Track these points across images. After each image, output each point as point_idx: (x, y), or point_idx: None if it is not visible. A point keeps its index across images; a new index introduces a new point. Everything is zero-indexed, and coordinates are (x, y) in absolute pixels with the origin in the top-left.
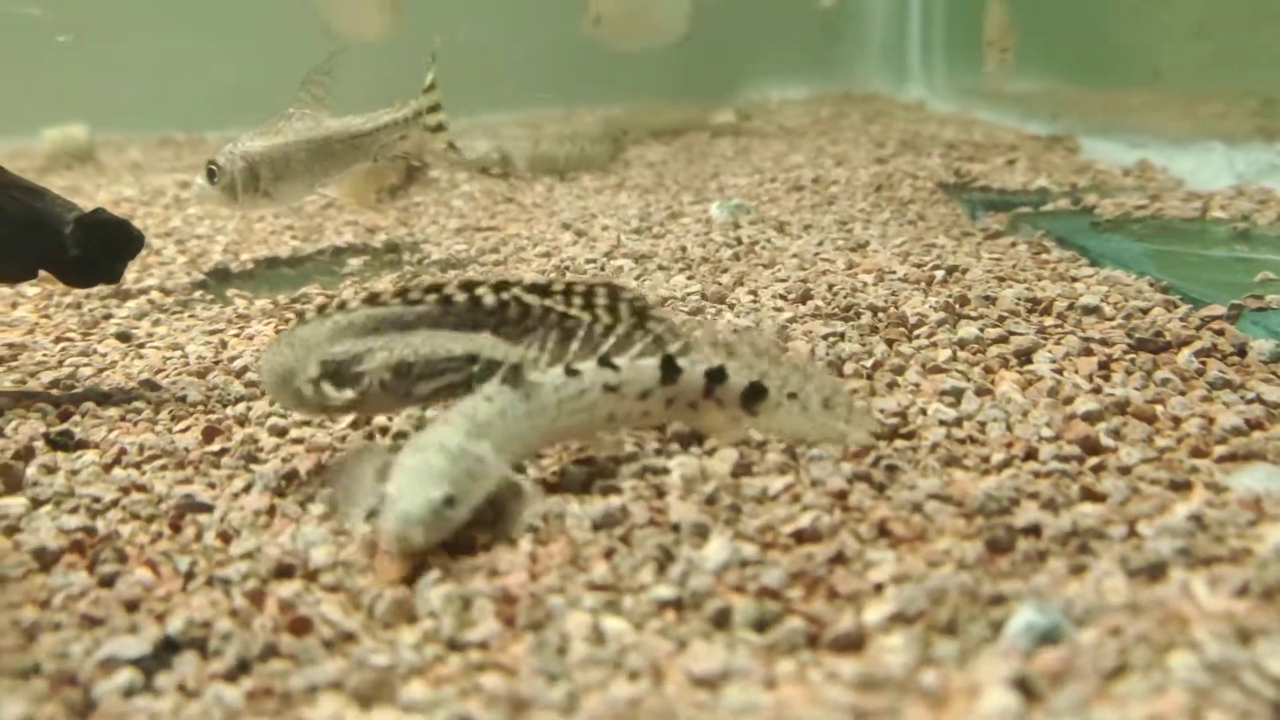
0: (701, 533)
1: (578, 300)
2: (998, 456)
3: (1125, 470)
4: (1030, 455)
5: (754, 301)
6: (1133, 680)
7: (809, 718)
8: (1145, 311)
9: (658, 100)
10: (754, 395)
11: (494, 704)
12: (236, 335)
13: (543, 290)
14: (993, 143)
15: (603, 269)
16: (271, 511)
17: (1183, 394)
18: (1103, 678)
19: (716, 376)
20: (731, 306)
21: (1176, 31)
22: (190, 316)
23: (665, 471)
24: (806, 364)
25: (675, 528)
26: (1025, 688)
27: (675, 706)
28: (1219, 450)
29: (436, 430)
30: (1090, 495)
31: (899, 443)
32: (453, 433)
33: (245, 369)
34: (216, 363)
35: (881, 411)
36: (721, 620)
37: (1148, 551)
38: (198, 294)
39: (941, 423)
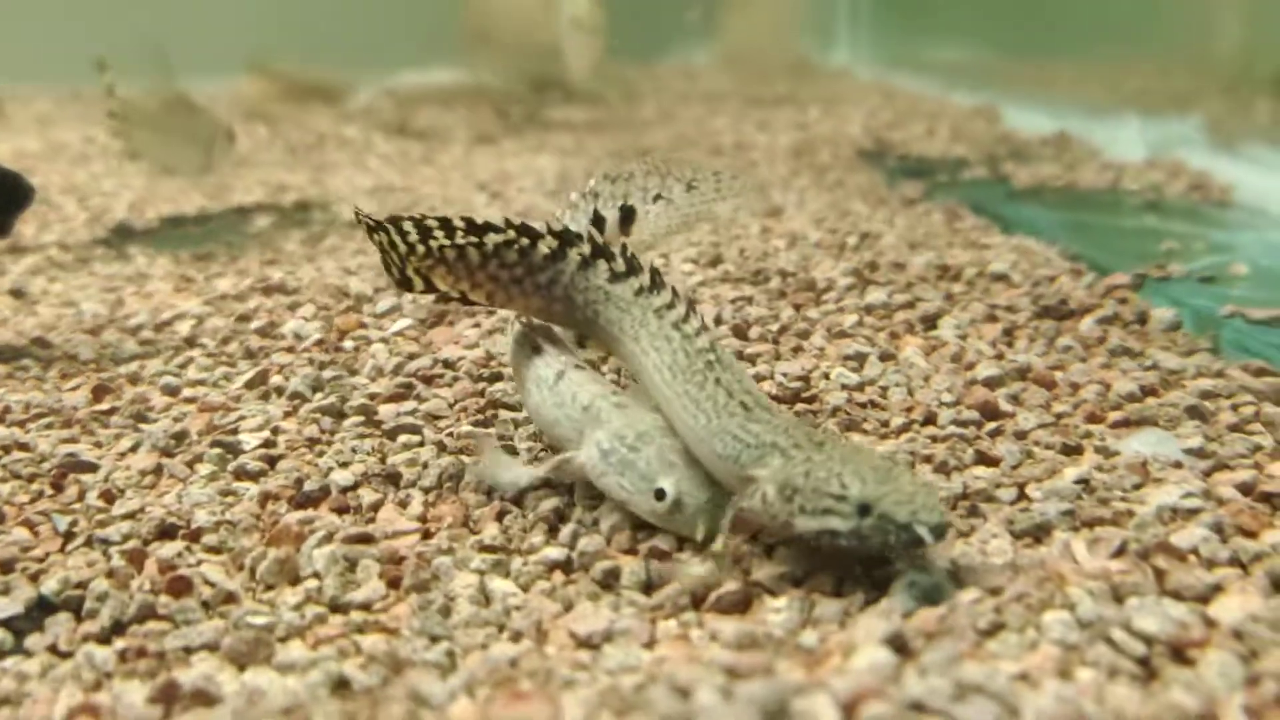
0: (599, 495)
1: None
2: (897, 421)
3: (1021, 435)
4: (929, 420)
5: (664, 264)
6: (1007, 638)
7: (684, 675)
8: (1052, 279)
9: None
10: (626, 218)
11: (372, 664)
12: (135, 293)
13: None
14: (916, 111)
15: None
16: (158, 471)
17: (1084, 361)
18: (978, 635)
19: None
20: None
21: (1099, 3)
22: (88, 274)
23: None
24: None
25: (570, 489)
26: (900, 645)
27: (554, 666)
28: (1114, 416)
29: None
30: (984, 459)
31: (801, 406)
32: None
33: (140, 327)
34: (111, 320)
35: (785, 375)
36: (609, 581)
37: (1034, 514)
38: (98, 251)
39: (844, 387)
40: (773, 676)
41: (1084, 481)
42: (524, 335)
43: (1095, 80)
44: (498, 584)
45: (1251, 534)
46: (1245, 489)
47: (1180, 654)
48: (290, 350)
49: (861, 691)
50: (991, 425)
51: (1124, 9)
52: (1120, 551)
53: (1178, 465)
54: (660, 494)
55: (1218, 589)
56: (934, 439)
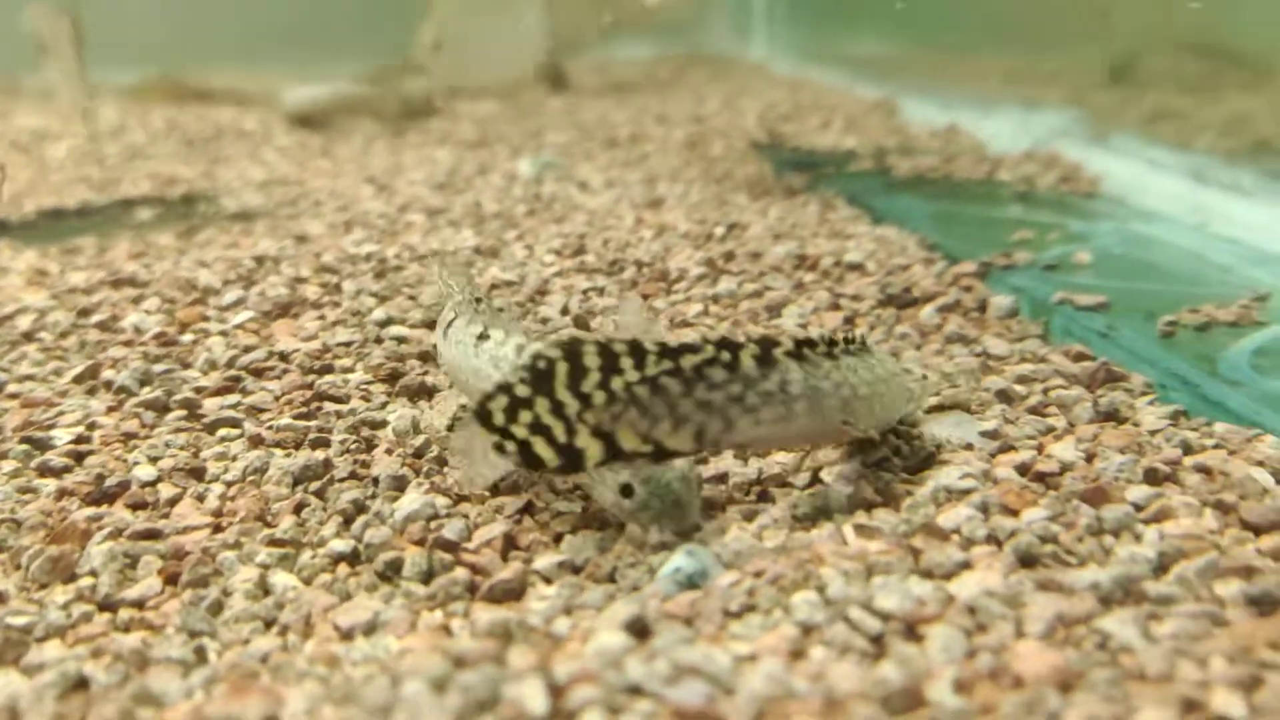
0: (399, 486)
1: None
2: None
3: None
4: None
5: (527, 255)
6: (752, 619)
7: (417, 666)
8: (905, 268)
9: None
10: None
11: (116, 663)
12: None
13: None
14: (817, 104)
15: (394, 223)
16: None
17: (918, 348)
18: (725, 617)
19: None
20: (498, 258)
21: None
22: None
23: (383, 424)
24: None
25: (375, 481)
26: (641, 629)
27: (299, 660)
28: (931, 400)
29: None
30: (784, 447)
31: None
32: None
33: None
34: None
35: None
36: (390, 572)
37: (818, 497)
38: None
39: None
40: (498, 665)
41: (877, 464)
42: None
43: (983, 74)
44: (280, 578)
45: (1014, 512)
46: (1023, 469)
47: (912, 630)
48: (128, 344)
49: (577, 676)
50: None
51: (1020, 5)
52: (888, 533)
53: (969, 447)
54: (625, 489)
55: (966, 566)
56: None
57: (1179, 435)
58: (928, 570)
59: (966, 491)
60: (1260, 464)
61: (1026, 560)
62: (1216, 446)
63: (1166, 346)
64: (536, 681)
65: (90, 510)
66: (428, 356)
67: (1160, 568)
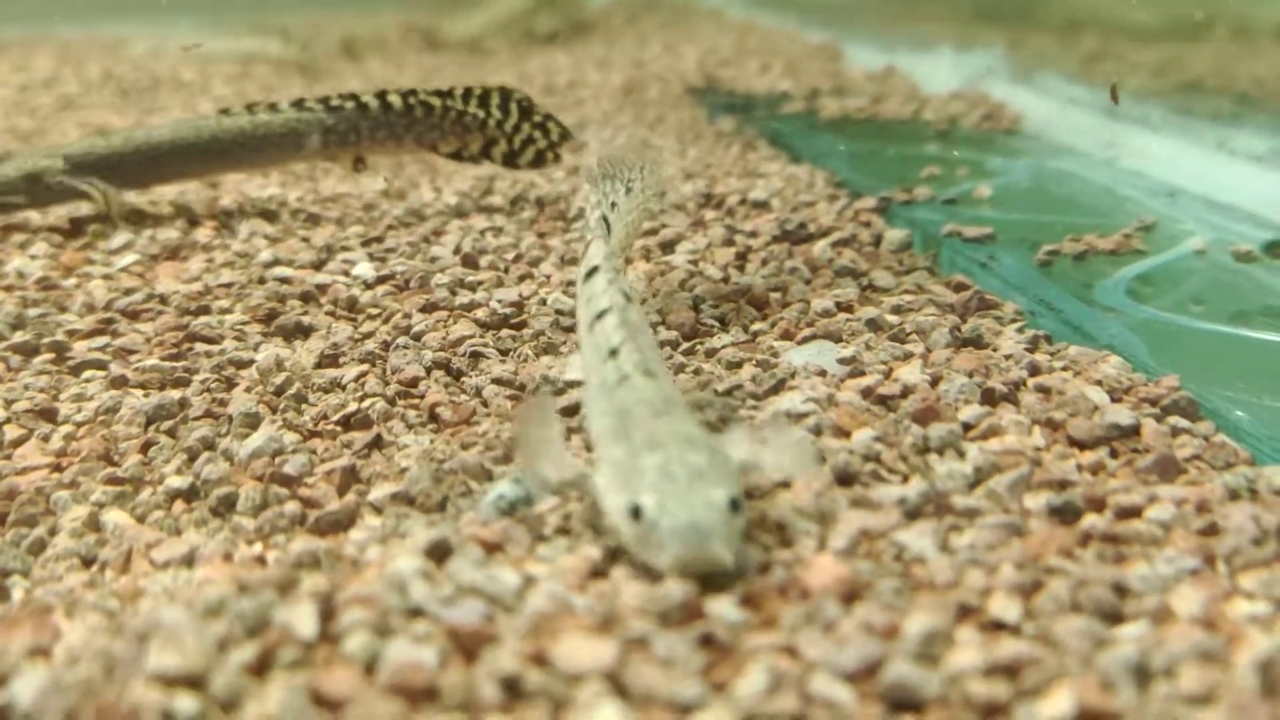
0: (252, 424)
1: (474, 100)
2: None
3: (711, 353)
4: None
5: (435, 197)
6: (559, 543)
7: (196, 595)
8: (810, 205)
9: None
10: None
11: None
12: None
13: (443, 94)
14: (762, 48)
15: (312, 169)
16: None
17: (808, 282)
18: (534, 541)
19: None
20: (405, 199)
21: None
22: None
23: (249, 364)
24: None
25: (230, 419)
26: (443, 553)
27: (97, 595)
28: (805, 332)
29: (657, 421)
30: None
31: (505, 332)
32: (684, 419)
33: None
34: None
35: (499, 301)
36: (223, 508)
37: None
38: None
39: (557, 312)
40: (282, 593)
41: (728, 392)
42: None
43: (921, 15)
44: (112, 516)
45: (845, 434)
46: (866, 393)
47: None
48: (8, 289)
49: (352, 599)
50: (687, 345)
51: None
52: None
53: (822, 373)
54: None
55: (784, 485)
56: None
57: (1029, 359)
58: (748, 492)
59: (804, 415)
60: (1098, 383)
61: (844, 479)
62: (1065, 369)
63: (1044, 274)
64: (310, 606)
65: None
66: (309, 297)
67: (975, 483)
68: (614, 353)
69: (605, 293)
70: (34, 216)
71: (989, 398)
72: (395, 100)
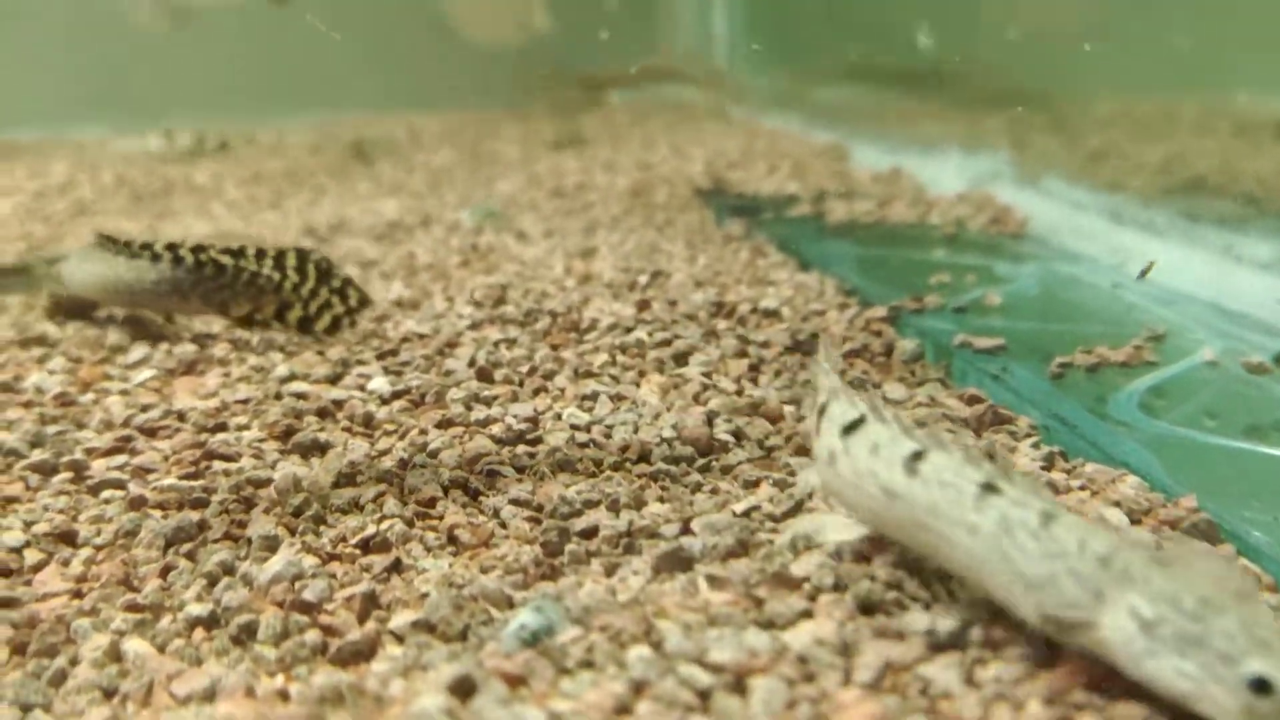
0: (271, 546)
1: (269, 261)
2: (610, 460)
3: (728, 469)
4: (643, 458)
5: (448, 307)
6: (583, 676)
7: None
8: (820, 314)
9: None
10: None
11: None
12: None
13: (236, 253)
14: (769, 150)
15: None
16: None
17: None
18: (557, 674)
19: None
20: (418, 310)
21: (938, 43)
22: None
23: (267, 483)
24: None
25: (249, 542)
26: (468, 689)
27: None
28: None
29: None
30: (665, 497)
31: (521, 448)
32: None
33: None
34: None
35: (515, 417)
36: (244, 636)
37: (683, 548)
38: None
39: (572, 427)
40: None
41: (746, 513)
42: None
43: (926, 117)
44: (133, 644)
45: (866, 559)
46: None
47: (740, 683)
48: (27, 405)
49: None
50: (703, 461)
51: (961, 47)
52: (737, 583)
53: None
54: (1261, 685)
55: (806, 615)
56: (640, 476)
57: (1046, 477)
58: (769, 620)
59: (822, 541)
60: (1116, 504)
61: (867, 607)
62: (1082, 488)
63: (1059, 388)
64: None
65: None
66: (325, 413)
67: (998, 611)
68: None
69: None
70: (52, 330)
71: None
72: (186, 255)
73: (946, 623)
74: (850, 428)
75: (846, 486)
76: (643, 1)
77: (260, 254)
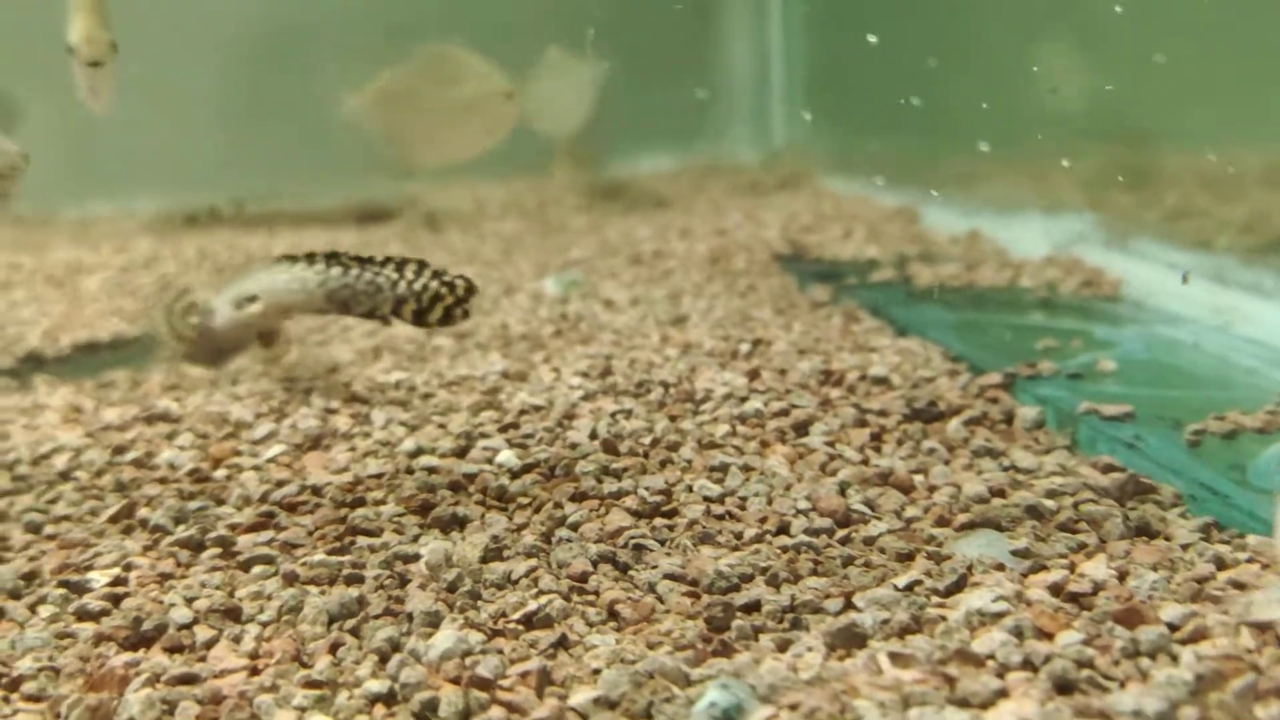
0: (433, 622)
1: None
2: (750, 532)
3: (869, 541)
4: (783, 530)
5: (555, 378)
6: None
7: None
8: (930, 381)
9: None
10: None
11: None
12: (24, 426)
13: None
14: (839, 213)
15: (422, 348)
16: (1, 615)
17: (947, 463)
18: None
19: None
20: (526, 381)
21: (1010, 103)
22: None
23: (415, 558)
24: None
25: (410, 618)
26: None
27: None
28: (961, 518)
29: None
30: (819, 570)
31: (658, 521)
32: None
33: (18, 461)
34: None
35: (647, 489)
36: (427, 712)
37: (853, 624)
38: (1, 382)
39: (706, 499)
40: None
41: (909, 588)
42: None
43: (1002, 179)
44: None
45: (1048, 635)
46: (1055, 589)
47: None
48: (162, 481)
49: None
50: (843, 533)
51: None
52: (922, 660)
53: (1000, 567)
54: None
55: (1002, 694)
56: (783, 549)
57: (1211, 550)
58: (964, 699)
59: (1000, 615)
60: None
61: (1063, 687)
62: (1249, 560)
63: (1194, 455)
64: None
65: (128, 655)
66: (458, 486)
67: (1197, 690)
68: None
69: None
70: (174, 407)
71: (1186, 596)
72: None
73: (1152, 703)
74: None
75: None
76: (698, 68)
77: (384, 261)
